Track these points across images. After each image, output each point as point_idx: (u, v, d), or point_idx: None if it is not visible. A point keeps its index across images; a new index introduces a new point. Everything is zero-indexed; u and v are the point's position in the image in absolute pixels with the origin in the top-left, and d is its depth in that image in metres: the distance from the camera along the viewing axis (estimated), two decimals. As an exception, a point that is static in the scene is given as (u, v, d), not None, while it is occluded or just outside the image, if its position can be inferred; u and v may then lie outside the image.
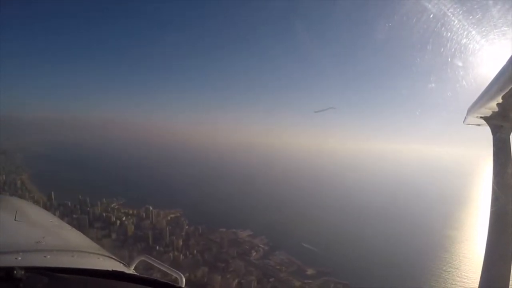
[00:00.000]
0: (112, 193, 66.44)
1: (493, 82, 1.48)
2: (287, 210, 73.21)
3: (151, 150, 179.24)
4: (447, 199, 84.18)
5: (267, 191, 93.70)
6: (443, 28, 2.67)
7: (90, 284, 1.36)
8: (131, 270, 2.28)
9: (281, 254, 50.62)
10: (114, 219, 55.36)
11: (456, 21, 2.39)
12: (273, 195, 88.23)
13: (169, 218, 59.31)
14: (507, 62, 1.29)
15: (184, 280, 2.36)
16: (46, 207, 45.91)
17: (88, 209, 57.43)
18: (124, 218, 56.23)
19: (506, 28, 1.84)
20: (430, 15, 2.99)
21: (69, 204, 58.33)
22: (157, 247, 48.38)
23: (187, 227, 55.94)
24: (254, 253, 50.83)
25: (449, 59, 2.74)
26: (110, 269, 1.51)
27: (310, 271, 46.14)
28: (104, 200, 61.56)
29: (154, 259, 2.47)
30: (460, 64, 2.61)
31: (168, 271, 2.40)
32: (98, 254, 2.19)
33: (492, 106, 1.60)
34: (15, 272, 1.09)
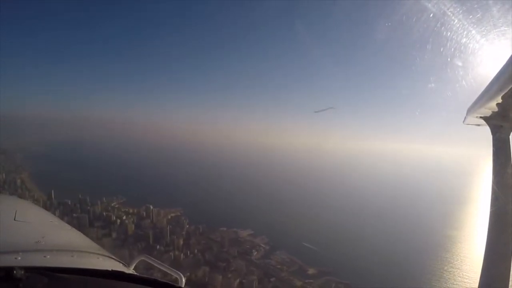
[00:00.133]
0: (112, 192, 66.43)
1: (493, 82, 1.48)
2: (288, 209, 73.24)
3: (151, 149, 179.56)
4: (447, 199, 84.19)
5: (267, 191, 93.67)
6: (443, 28, 2.66)
7: (90, 284, 1.36)
8: (131, 270, 2.28)
9: (282, 254, 50.55)
10: (114, 218, 55.27)
11: (456, 21, 2.39)
12: (273, 195, 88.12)
13: (169, 217, 59.22)
14: (507, 62, 1.30)
15: (184, 280, 2.36)
16: (46, 206, 46.03)
17: (88, 208, 57.33)
18: (124, 217, 56.13)
19: (506, 28, 1.84)
20: (430, 14, 2.98)
21: (69, 203, 58.21)
22: (158, 247, 48.34)
23: (187, 226, 55.83)
24: (255, 253, 50.78)
25: (449, 59, 2.73)
26: (110, 269, 1.52)
27: (311, 271, 46.10)
28: (104, 199, 61.47)
29: (154, 259, 2.47)
30: (460, 63, 2.60)
31: (168, 271, 2.40)
32: (98, 254, 2.19)
33: (492, 106, 1.60)
34: (14, 272, 1.09)
